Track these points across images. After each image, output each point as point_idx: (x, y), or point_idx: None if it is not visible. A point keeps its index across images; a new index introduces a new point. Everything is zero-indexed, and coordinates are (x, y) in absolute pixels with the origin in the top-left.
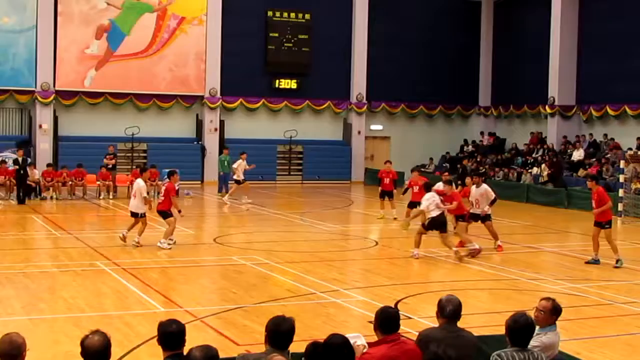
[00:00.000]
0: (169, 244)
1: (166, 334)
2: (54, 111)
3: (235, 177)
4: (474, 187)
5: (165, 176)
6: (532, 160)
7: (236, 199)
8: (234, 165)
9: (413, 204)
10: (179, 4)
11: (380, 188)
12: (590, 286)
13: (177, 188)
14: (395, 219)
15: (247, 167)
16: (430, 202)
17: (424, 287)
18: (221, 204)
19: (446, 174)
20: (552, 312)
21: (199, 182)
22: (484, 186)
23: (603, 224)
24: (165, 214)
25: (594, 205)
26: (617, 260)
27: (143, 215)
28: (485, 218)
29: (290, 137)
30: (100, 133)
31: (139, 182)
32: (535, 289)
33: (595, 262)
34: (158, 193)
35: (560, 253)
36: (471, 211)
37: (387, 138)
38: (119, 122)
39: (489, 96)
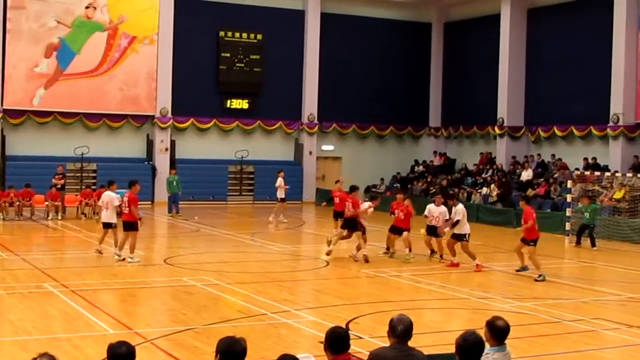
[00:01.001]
0: (132, 258)
1: (115, 356)
2: (2, 130)
3: (278, 194)
4: (441, 206)
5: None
6: (481, 180)
7: (279, 216)
8: (277, 184)
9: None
10: (130, 23)
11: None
12: (538, 304)
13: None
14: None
15: (284, 186)
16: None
17: (375, 306)
18: (172, 225)
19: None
20: (489, 329)
21: (150, 202)
22: (461, 207)
23: (528, 241)
24: (130, 224)
25: (522, 222)
26: (539, 275)
27: (115, 226)
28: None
29: (242, 157)
30: (49, 153)
31: (110, 194)
32: (484, 307)
33: (524, 269)
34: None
35: (509, 272)
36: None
37: (339, 158)
38: (68, 142)
39: (439, 117)
